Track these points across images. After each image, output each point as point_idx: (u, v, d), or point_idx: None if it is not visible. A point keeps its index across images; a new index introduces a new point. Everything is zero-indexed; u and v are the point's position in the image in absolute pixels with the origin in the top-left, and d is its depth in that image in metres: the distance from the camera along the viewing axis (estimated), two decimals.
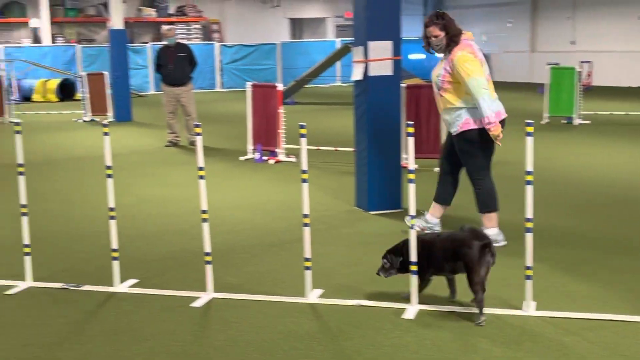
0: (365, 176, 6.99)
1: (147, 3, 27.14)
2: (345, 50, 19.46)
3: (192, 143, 11.90)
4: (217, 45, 26.19)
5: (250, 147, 10.59)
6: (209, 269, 4.81)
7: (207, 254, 4.79)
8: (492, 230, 5.77)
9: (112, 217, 4.97)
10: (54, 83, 22.07)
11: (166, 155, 11.20)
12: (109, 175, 4.90)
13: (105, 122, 4.98)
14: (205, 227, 4.76)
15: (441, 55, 5.85)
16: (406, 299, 4.56)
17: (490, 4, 27.33)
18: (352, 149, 9.02)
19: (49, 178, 9.32)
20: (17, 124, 4.98)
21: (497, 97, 5.72)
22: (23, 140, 5.13)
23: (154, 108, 18.10)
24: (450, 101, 5.74)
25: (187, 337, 4.17)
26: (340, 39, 27.07)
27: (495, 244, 5.33)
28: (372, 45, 6.79)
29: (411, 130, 4.45)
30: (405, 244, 4.51)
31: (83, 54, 24.45)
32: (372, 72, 6.85)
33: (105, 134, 4.85)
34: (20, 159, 5.00)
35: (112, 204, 4.95)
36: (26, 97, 22.05)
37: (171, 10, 27.57)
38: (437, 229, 6.11)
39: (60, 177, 9.45)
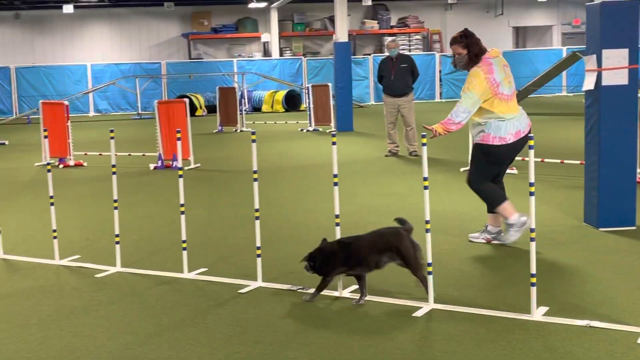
0: (596, 191, 6.63)
1: (370, 15, 27.77)
2: (573, 59, 18.65)
3: (412, 153, 11.98)
4: (437, 55, 26.19)
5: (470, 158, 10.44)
6: (430, 279, 4.80)
7: (429, 265, 4.79)
8: (512, 219, 6.02)
9: (337, 224, 5.12)
10: (281, 94, 23.25)
11: (386, 165, 11.36)
12: (336, 184, 5.06)
13: (332, 132, 5.15)
14: (428, 237, 4.77)
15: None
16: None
17: None
18: (580, 162, 8.63)
19: (278, 184, 9.81)
20: (253, 133, 5.29)
21: (521, 114, 5.99)
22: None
23: (373, 118, 18.46)
24: (474, 117, 6.06)
25: (409, 346, 4.19)
26: (566, 47, 26.00)
27: (524, 226, 5.98)
28: (607, 53, 6.46)
29: None
30: (317, 250, 4.94)
31: (308, 66, 25.55)
32: (606, 82, 6.51)
33: (333, 143, 5.02)
34: (255, 166, 5.32)
35: (337, 211, 5.11)
36: (255, 108, 23.46)
37: (393, 22, 27.99)
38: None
39: (288, 184, 9.91)
